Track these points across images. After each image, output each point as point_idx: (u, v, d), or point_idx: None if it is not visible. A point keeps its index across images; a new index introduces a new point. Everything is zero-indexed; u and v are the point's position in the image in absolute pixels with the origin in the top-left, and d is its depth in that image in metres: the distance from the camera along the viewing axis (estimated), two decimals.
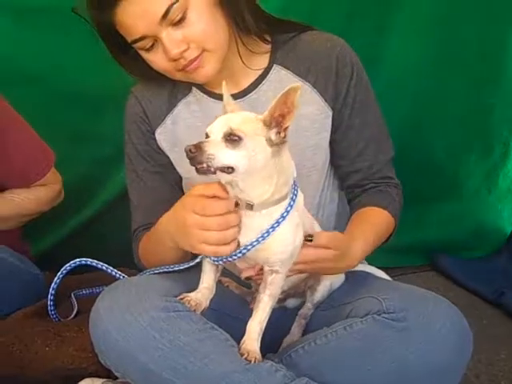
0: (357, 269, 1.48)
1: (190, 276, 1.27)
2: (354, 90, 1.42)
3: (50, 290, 1.45)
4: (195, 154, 1.02)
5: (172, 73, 1.34)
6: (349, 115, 1.43)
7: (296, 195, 1.16)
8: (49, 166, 1.72)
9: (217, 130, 1.06)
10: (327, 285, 1.35)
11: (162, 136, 1.46)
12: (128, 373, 1.18)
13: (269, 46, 1.43)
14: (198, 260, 1.24)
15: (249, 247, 1.13)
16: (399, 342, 1.16)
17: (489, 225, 2.25)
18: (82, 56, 1.82)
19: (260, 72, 1.43)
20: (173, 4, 1.23)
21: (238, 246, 1.14)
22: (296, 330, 1.36)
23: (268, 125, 1.07)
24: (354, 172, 1.46)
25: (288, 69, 1.42)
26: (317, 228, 1.30)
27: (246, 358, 1.14)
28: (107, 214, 2.07)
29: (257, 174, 1.08)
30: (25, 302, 1.56)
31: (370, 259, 1.60)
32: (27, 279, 1.63)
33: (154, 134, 1.46)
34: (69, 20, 1.72)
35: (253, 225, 1.13)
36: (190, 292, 1.21)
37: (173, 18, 1.25)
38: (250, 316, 1.19)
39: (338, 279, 1.39)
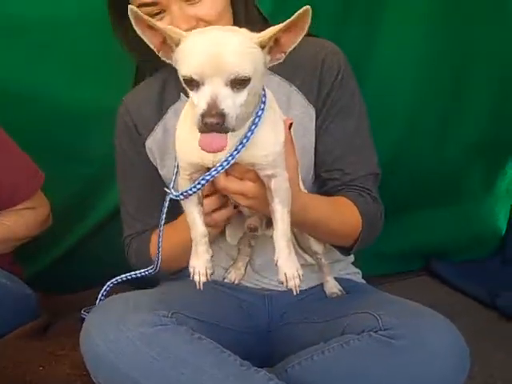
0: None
1: (176, 288, 1.27)
2: (336, 94, 1.39)
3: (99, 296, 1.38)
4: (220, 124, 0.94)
5: None
6: (326, 118, 1.40)
7: (265, 95, 1.07)
8: (37, 185, 1.72)
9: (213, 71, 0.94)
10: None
11: (153, 145, 1.45)
12: None
13: None
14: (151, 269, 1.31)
15: (230, 158, 1.04)
16: (396, 360, 1.15)
17: (485, 227, 2.24)
18: (68, 75, 1.84)
19: None
20: None
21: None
22: None
23: (264, 46, 1.00)
24: (331, 180, 1.41)
25: (274, 71, 1.38)
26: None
27: (287, 286, 1.10)
28: (98, 233, 2.06)
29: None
30: (17, 323, 1.55)
31: (366, 267, 1.57)
32: (19, 299, 1.62)
33: (144, 144, 1.46)
34: (53, 38, 1.76)
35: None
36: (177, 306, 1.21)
37: None
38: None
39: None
